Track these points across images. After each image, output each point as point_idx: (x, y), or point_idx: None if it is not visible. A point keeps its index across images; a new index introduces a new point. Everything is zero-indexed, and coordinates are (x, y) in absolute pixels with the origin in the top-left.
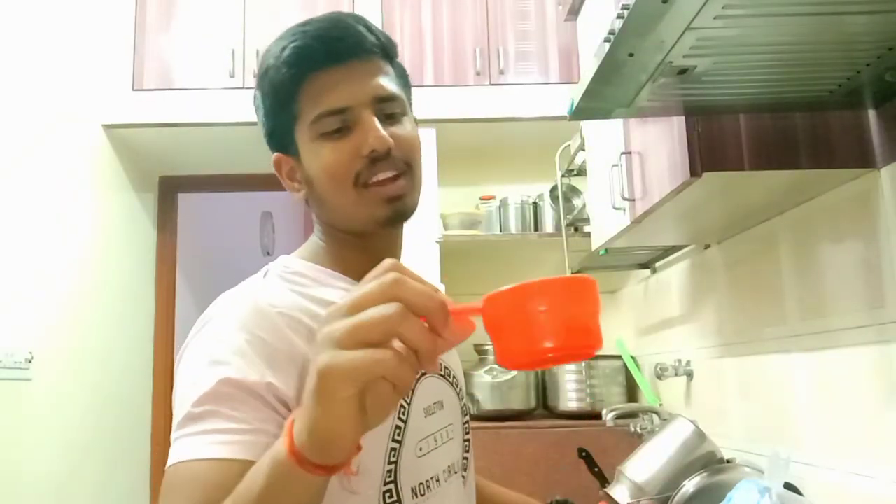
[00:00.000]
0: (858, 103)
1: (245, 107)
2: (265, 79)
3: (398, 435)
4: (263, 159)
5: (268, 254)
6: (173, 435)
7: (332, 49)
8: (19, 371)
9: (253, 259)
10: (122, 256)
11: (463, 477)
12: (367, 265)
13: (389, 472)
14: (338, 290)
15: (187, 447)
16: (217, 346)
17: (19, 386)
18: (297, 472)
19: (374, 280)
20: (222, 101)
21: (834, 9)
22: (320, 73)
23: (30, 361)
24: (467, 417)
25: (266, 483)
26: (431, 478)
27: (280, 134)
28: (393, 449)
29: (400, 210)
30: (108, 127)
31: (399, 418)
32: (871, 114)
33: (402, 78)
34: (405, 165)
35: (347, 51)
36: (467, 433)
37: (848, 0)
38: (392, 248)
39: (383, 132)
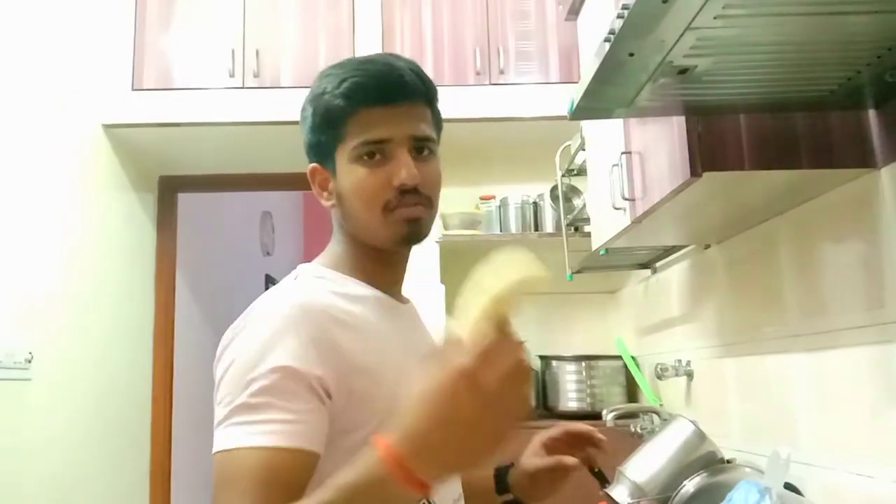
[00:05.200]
0: (858, 103)
1: (245, 106)
2: (319, 100)
3: None
4: (263, 159)
5: (268, 254)
6: (225, 421)
7: (386, 92)
8: (19, 371)
9: (253, 259)
10: (121, 256)
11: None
12: (383, 274)
13: None
14: (363, 289)
15: (244, 435)
16: (268, 342)
17: (19, 386)
18: (399, 489)
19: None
20: (222, 101)
21: (834, 9)
22: (371, 109)
23: (30, 361)
24: None
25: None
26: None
27: (322, 149)
28: None
29: (416, 231)
30: (107, 127)
31: None
32: (871, 114)
33: (438, 122)
34: (427, 200)
35: (398, 95)
36: None
37: (848, 0)
38: (403, 261)
39: (415, 169)
